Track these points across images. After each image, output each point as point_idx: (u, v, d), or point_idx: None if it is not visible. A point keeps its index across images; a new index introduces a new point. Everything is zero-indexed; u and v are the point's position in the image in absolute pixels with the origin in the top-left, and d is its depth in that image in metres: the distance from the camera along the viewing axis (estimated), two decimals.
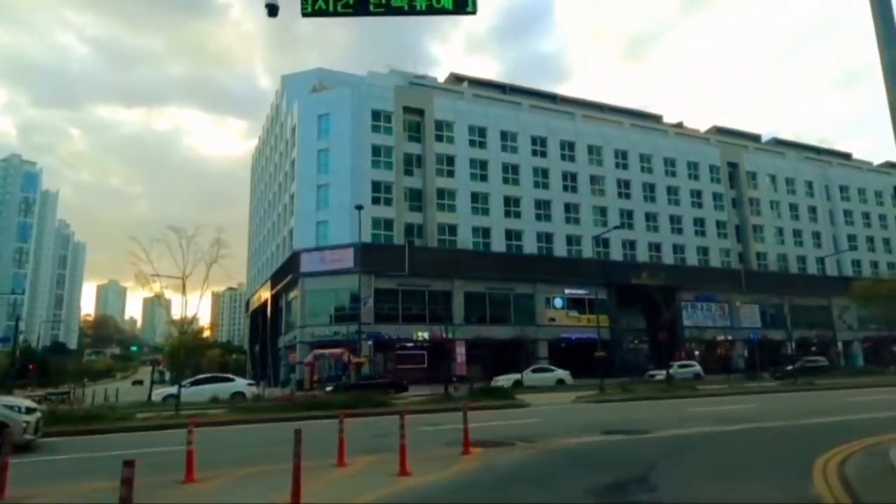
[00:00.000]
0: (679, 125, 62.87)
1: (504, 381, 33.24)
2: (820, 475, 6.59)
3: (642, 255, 52.49)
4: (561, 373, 37.35)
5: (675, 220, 55.02)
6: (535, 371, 37.64)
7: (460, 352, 42.96)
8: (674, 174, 56.09)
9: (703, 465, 7.93)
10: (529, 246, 48.18)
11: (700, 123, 63.32)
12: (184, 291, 18.95)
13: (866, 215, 65.68)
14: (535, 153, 50.37)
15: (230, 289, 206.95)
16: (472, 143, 48.20)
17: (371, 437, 11.04)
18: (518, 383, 33.51)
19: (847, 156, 72.87)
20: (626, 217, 52.61)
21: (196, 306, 31.61)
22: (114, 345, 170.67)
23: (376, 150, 44.82)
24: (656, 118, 62.10)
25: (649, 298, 53.65)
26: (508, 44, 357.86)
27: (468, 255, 45.03)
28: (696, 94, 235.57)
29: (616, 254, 51.37)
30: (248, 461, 8.71)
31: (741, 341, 53.35)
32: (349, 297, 40.94)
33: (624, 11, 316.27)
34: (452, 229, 46.00)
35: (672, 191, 55.61)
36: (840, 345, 58.00)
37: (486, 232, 47.05)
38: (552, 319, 46.97)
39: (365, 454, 9.05)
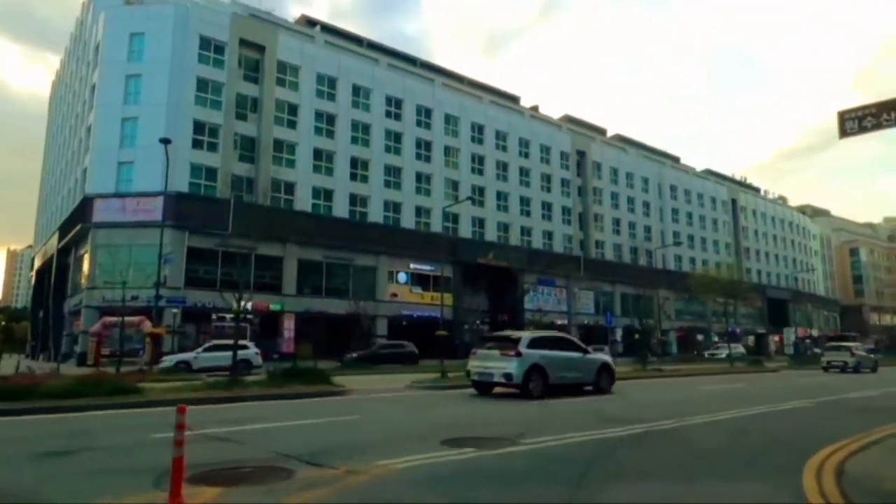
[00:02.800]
0: (535, 108, 62.59)
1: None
2: None
3: (491, 234, 51.08)
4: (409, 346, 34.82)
5: (524, 202, 54.39)
6: (384, 349, 34.48)
7: (289, 326, 38.06)
8: (527, 156, 55.40)
9: None
10: (375, 214, 44.25)
11: (553, 113, 63.26)
12: None
13: (689, 215, 70.93)
14: (388, 115, 46.35)
15: (29, 247, 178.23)
16: (319, 93, 42.87)
17: (29, 459, 6.37)
18: (356, 363, 29.93)
19: (677, 159, 78.35)
20: (478, 194, 50.77)
21: None
22: None
23: (202, 85, 37.82)
24: (514, 98, 61.15)
25: (495, 279, 53.13)
26: (373, 19, 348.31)
27: (305, 218, 39.96)
28: (550, 88, 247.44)
29: (465, 231, 49.37)
30: None
31: (576, 326, 54.37)
32: (155, 256, 33.92)
33: (487, 7, 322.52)
34: (289, 187, 40.57)
35: (524, 172, 54.88)
36: (659, 333, 61.97)
37: (327, 194, 42.22)
38: (394, 295, 43.70)
39: None
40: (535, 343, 13.64)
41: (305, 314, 38.12)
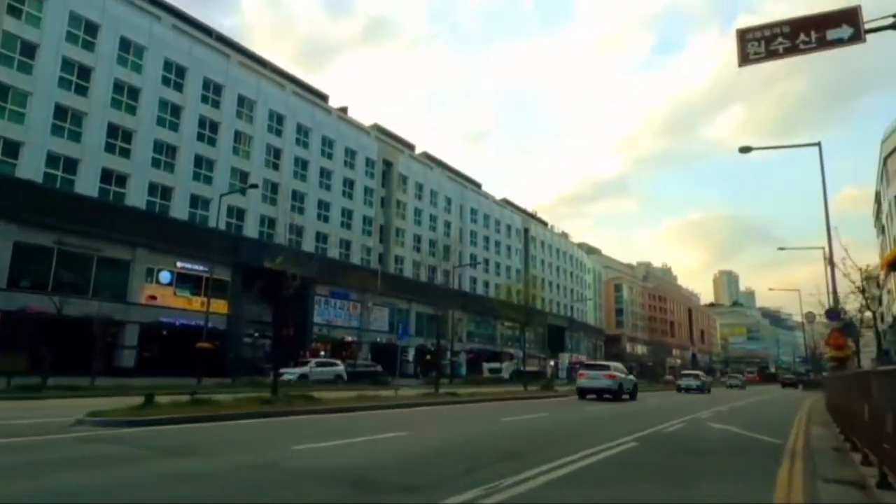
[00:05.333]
0: (343, 110, 58.77)
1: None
2: None
3: (282, 237, 45.40)
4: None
5: (323, 206, 49.86)
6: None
7: None
8: (330, 157, 51.12)
9: None
10: (137, 196, 36.28)
11: (363, 121, 60.14)
12: None
13: (486, 239, 72.44)
14: (167, 82, 38.83)
15: None
16: (71, 37, 34.08)
17: None
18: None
19: (479, 185, 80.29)
20: (271, 191, 45.10)
21: None
22: None
23: None
24: (322, 96, 56.70)
25: (282, 287, 47.23)
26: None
27: (35, 190, 30.85)
28: (362, 102, 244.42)
29: (252, 230, 43.30)
30: None
31: (368, 343, 50.92)
32: None
33: (310, 18, 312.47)
34: (14, 148, 31.15)
35: (326, 174, 50.47)
36: (449, 354, 61.29)
37: (71, 164, 33.42)
38: (153, 297, 35.99)
39: None
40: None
41: (17, 314, 28.95)
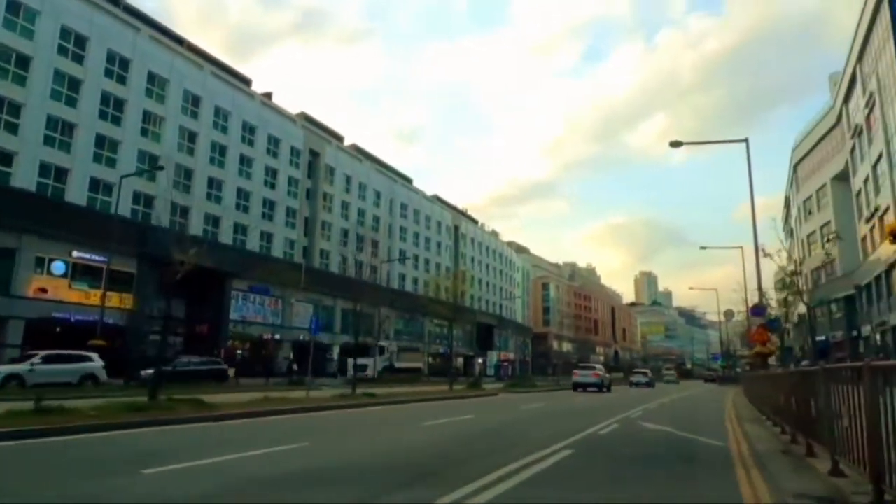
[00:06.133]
0: (268, 95, 55.65)
1: None
2: None
3: (196, 227, 42.30)
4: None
5: (242, 195, 46.94)
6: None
7: None
8: (252, 143, 48.22)
9: None
10: (25, 177, 32.47)
11: (290, 109, 57.34)
12: None
13: (416, 235, 71.09)
14: (63, 52, 35.06)
15: None
16: None
17: None
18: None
19: (410, 180, 78.73)
20: (185, 177, 41.90)
21: None
22: None
23: None
24: (245, 80, 53.44)
25: (196, 281, 43.99)
26: None
27: None
28: (291, 92, 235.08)
29: (162, 218, 39.94)
30: None
31: (289, 342, 48.40)
32: None
33: (239, 5, 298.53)
34: None
35: (246, 161, 47.53)
36: (377, 351, 59.48)
37: None
38: (43, 290, 32.32)
39: None
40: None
41: None
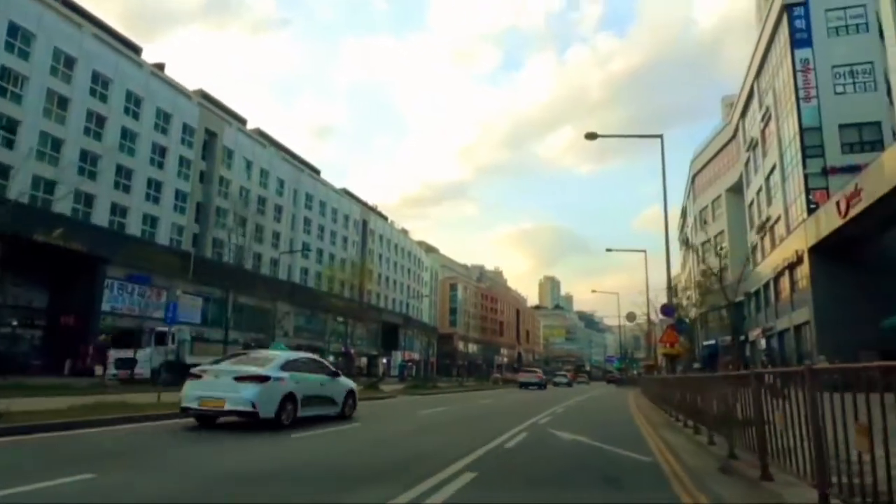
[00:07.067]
0: (160, 67, 50.55)
1: None
2: None
3: (64, 205, 37.31)
4: None
5: (123, 173, 42.13)
6: None
7: None
8: (137, 116, 43.45)
9: None
10: None
11: (187, 85, 52.50)
12: None
13: (322, 228, 67.86)
14: None
15: None
16: None
17: None
18: None
19: (318, 171, 75.20)
20: (51, 147, 36.84)
21: None
22: None
23: None
24: (135, 48, 48.18)
25: (62, 266, 38.74)
26: None
27: None
28: (195, 78, 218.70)
29: (20, 193, 34.74)
30: None
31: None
32: None
33: None
34: None
35: (129, 135, 42.74)
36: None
37: None
38: None
39: None
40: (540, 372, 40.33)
41: None
